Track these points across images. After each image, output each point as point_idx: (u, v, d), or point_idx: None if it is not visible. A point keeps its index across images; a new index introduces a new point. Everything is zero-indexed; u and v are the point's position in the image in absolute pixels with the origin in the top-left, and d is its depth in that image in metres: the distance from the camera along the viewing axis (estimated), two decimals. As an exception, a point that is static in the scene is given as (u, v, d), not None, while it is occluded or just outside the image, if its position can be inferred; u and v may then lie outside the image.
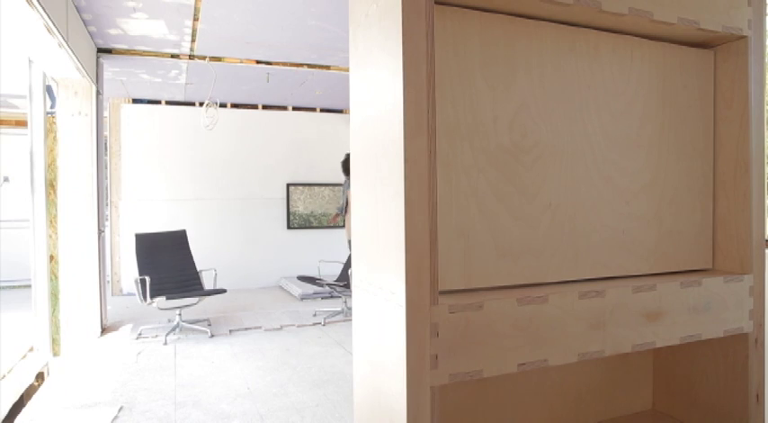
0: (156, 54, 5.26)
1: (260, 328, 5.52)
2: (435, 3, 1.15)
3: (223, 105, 7.79)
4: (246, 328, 5.48)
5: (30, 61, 3.93)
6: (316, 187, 8.46)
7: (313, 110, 8.50)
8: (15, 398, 3.23)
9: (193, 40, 4.93)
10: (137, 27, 4.52)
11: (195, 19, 4.40)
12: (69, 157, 4.56)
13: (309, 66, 5.79)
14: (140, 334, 5.13)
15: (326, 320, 5.74)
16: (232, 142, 7.99)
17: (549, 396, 1.63)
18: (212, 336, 5.15)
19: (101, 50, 5.04)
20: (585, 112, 1.43)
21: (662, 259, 1.54)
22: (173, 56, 5.32)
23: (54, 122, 4.48)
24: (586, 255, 1.43)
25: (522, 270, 1.35)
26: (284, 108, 8.35)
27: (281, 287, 7.93)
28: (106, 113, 7.26)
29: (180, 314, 5.28)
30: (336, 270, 6.88)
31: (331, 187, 8.59)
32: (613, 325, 1.33)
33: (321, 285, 5.98)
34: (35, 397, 3.38)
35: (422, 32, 1.13)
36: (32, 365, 3.77)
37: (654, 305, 1.39)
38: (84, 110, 4.67)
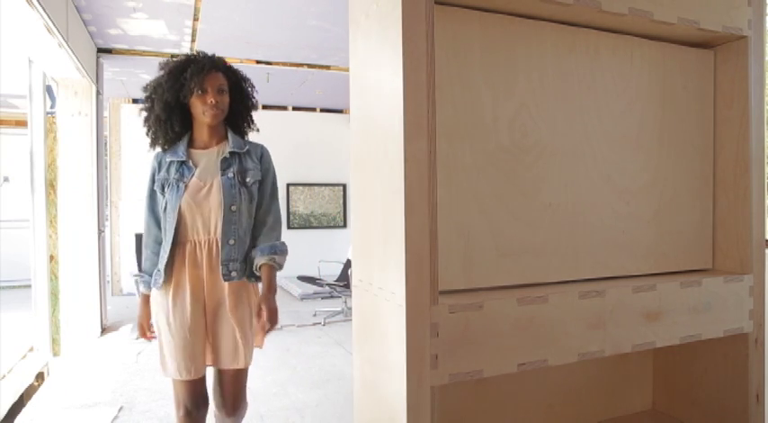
0: (157, 54, 5.25)
1: (260, 328, 5.51)
2: (435, 3, 1.15)
3: (223, 105, 7.77)
4: (246, 328, 5.48)
5: (30, 61, 3.93)
6: (316, 187, 8.47)
7: (313, 110, 8.50)
8: (15, 398, 3.23)
9: (193, 40, 4.93)
10: (137, 27, 4.52)
11: (195, 19, 4.40)
12: (69, 157, 4.56)
13: (309, 66, 5.78)
14: (140, 334, 5.12)
15: (326, 320, 5.74)
16: (232, 142, 7.98)
17: (549, 396, 1.63)
18: (212, 336, 5.13)
19: (101, 50, 5.04)
20: (585, 113, 1.43)
21: (662, 259, 1.54)
22: (173, 56, 5.30)
23: (54, 122, 4.48)
24: (586, 255, 1.43)
25: (523, 270, 1.35)
26: (284, 108, 8.36)
27: (281, 287, 7.93)
28: (106, 113, 7.27)
29: (180, 314, 5.27)
30: (336, 270, 6.88)
31: (331, 187, 8.59)
32: (613, 325, 1.33)
33: (321, 285, 5.98)
34: (35, 397, 3.38)
35: (422, 33, 1.13)
36: (32, 365, 3.77)
37: (654, 305, 1.39)
38: (84, 110, 4.67)
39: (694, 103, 1.58)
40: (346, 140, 8.77)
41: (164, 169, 1.80)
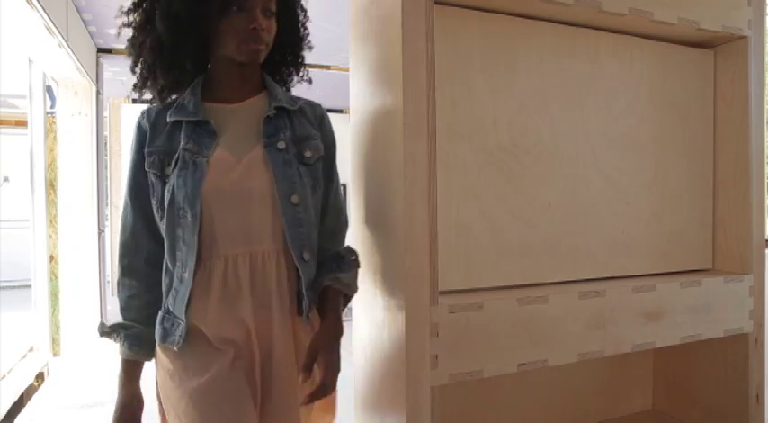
0: (156, 54, 5.24)
1: (260, 328, 5.49)
2: (435, 3, 1.15)
3: (223, 105, 7.75)
4: (246, 328, 5.46)
5: (30, 61, 3.93)
6: (316, 187, 8.46)
7: (313, 110, 8.48)
8: (15, 398, 3.23)
9: (193, 40, 4.92)
10: (137, 27, 4.52)
11: (195, 19, 4.39)
12: (69, 157, 4.55)
13: (309, 66, 5.77)
14: (140, 334, 5.09)
15: (326, 320, 5.72)
16: (232, 142, 7.95)
17: (549, 396, 1.63)
18: (212, 336, 5.11)
19: (101, 50, 5.04)
20: (585, 113, 1.43)
21: (662, 259, 1.54)
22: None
23: (54, 122, 4.48)
24: (586, 255, 1.43)
25: (522, 270, 1.35)
26: (284, 108, 8.34)
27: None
28: (106, 113, 7.25)
29: (180, 314, 5.24)
30: (336, 270, 6.85)
31: (331, 187, 8.57)
32: (613, 325, 1.33)
33: (321, 285, 5.96)
34: (35, 397, 3.37)
35: (422, 32, 1.13)
36: (32, 365, 3.77)
37: (654, 305, 1.39)
38: (84, 110, 4.66)
39: (694, 103, 1.58)
40: (346, 140, 8.75)
41: (161, 136, 1.05)
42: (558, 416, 1.64)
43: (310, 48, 1.21)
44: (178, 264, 1.02)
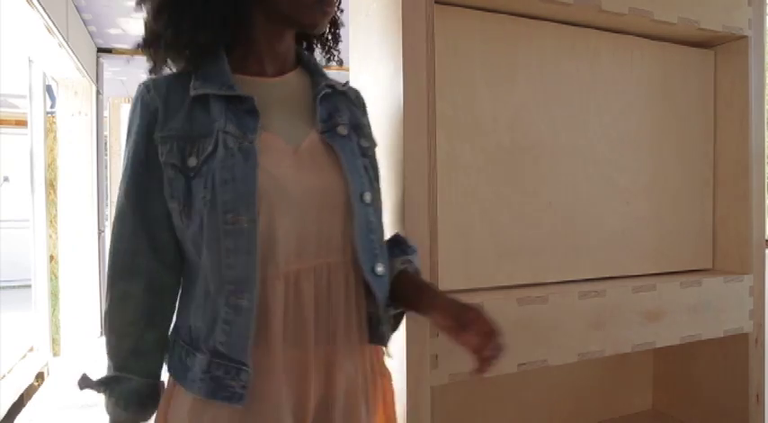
0: (156, 54, 5.23)
1: (260, 328, 5.48)
2: (435, 3, 1.15)
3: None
4: (246, 328, 5.44)
5: (30, 61, 3.93)
6: (316, 187, 8.45)
7: (313, 110, 8.47)
8: (15, 398, 3.23)
9: (193, 40, 4.91)
10: (137, 27, 4.52)
11: (195, 19, 4.38)
12: (69, 157, 4.56)
13: (309, 66, 5.77)
14: (140, 334, 5.09)
15: (326, 320, 5.72)
16: (232, 142, 7.93)
17: (549, 396, 1.63)
18: (212, 336, 5.10)
19: (101, 50, 5.04)
20: (585, 112, 1.43)
21: (662, 259, 1.54)
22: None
23: (54, 122, 4.48)
24: (586, 255, 1.43)
25: (522, 270, 1.35)
26: (284, 108, 8.33)
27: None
28: (106, 113, 7.25)
29: (180, 314, 5.24)
30: (336, 270, 6.85)
31: (331, 187, 8.58)
32: (613, 325, 1.33)
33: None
34: (35, 397, 3.37)
35: (422, 32, 1.13)
36: (32, 365, 3.77)
37: (654, 305, 1.39)
38: (84, 110, 4.66)
39: (694, 103, 1.58)
40: (346, 140, 8.70)
41: (178, 116, 0.78)
42: (558, 416, 1.64)
43: (341, 24, 1.00)
44: (228, 287, 0.74)
